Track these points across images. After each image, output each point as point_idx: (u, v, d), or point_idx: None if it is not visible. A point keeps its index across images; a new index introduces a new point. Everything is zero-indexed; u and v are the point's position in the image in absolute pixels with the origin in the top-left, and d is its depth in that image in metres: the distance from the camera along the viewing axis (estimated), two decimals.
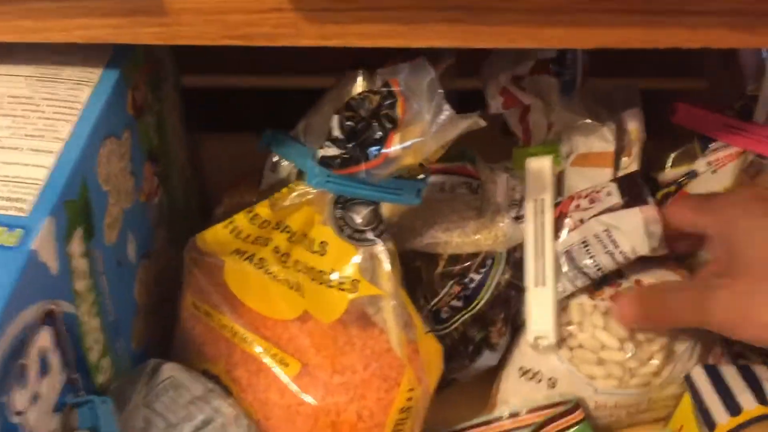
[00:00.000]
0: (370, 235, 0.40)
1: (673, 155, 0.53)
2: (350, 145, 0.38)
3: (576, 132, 0.50)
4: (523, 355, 0.47)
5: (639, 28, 0.35)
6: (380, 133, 0.37)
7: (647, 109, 0.50)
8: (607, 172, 0.47)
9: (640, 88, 0.51)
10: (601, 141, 0.49)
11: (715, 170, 0.50)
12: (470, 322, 0.46)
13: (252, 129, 0.52)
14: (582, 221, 0.45)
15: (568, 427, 0.45)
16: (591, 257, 0.44)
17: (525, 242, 0.46)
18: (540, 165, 0.47)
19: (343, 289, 0.40)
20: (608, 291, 0.46)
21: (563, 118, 0.50)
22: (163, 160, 0.48)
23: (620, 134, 0.49)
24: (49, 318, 0.33)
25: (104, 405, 0.36)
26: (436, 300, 0.46)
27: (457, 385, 0.49)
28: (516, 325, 0.48)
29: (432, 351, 0.44)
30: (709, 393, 0.44)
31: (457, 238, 0.47)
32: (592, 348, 0.46)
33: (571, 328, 0.46)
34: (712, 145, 0.50)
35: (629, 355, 0.45)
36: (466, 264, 0.46)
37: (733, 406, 0.43)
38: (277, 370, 0.42)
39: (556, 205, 0.48)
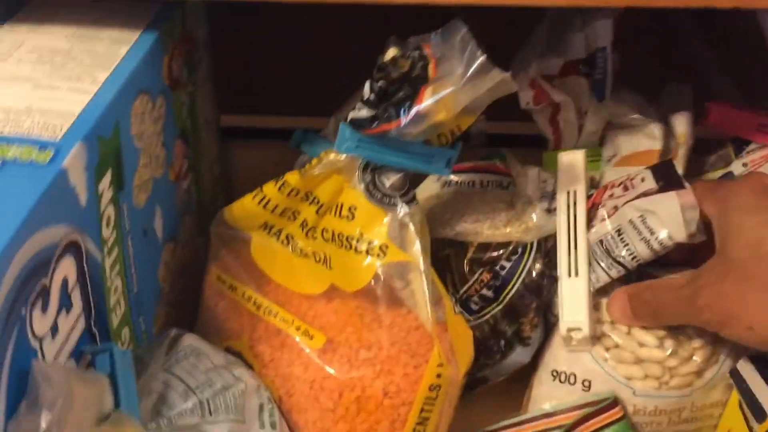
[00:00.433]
0: (399, 201, 0.40)
1: (708, 160, 0.52)
2: (382, 106, 0.38)
3: (620, 133, 0.49)
4: (555, 358, 0.45)
5: None
6: (411, 90, 0.37)
7: None
8: None
9: None
10: (649, 139, 0.48)
11: (752, 171, 0.50)
12: (501, 315, 0.45)
13: (283, 136, 0.53)
14: (616, 209, 0.44)
15: (606, 426, 0.43)
16: (626, 245, 0.43)
17: (558, 233, 0.45)
18: (572, 158, 0.47)
19: (371, 254, 0.39)
20: None
21: (607, 113, 0.49)
22: (194, 147, 0.48)
23: (666, 135, 0.48)
24: (74, 248, 0.33)
25: (123, 355, 0.35)
26: (466, 287, 0.45)
27: (488, 386, 0.47)
28: (549, 325, 0.47)
29: (462, 333, 0.42)
30: (758, 383, 0.41)
31: (487, 230, 0.46)
32: (628, 347, 0.43)
33: (605, 327, 0.44)
34: (748, 147, 0.50)
35: (668, 352, 0.43)
36: (497, 253, 0.45)
37: None
38: (302, 343, 0.40)
39: (589, 197, 0.47)
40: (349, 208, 0.40)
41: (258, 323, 0.42)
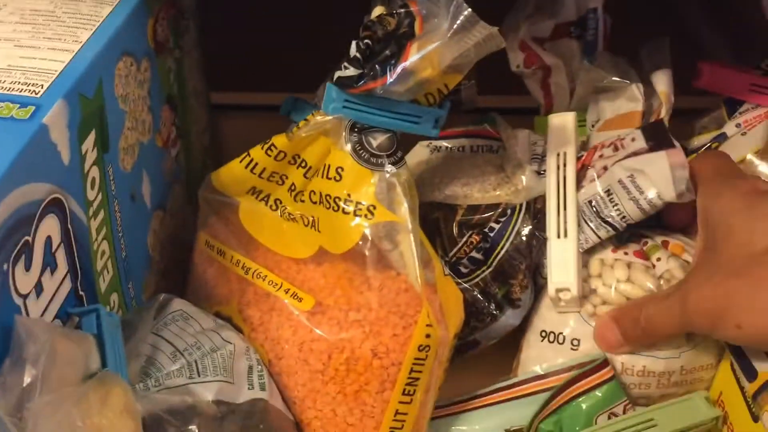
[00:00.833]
0: (386, 162, 0.39)
1: (700, 122, 0.52)
2: (367, 64, 0.38)
3: (602, 98, 0.49)
4: (543, 319, 0.45)
5: None
6: (397, 47, 0.37)
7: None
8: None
9: None
10: (630, 101, 0.47)
11: (744, 132, 0.49)
12: (491, 278, 0.45)
13: (273, 108, 0.52)
14: (605, 169, 0.44)
15: (595, 387, 0.42)
16: (615, 206, 0.43)
17: (547, 194, 0.44)
18: (563, 119, 0.46)
19: (358, 215, 0.39)
20: (633, 247, 0.44)
21: (589, 78, 0.49)
22: (182, 114, 0.48)
23: (649, 95, 0.48)
24: (57, 207, 0.32)
25: (110, 317, 0.35)
26: (455, 250, 0.45)
27: (480, 350, 0.47)
28: (538, 287, 0.46)
29: (452, 295, 0.42)
30: None
31: (477, 193, 0.46)
32: (616, 303, 0.43)
33: (593, 283, 0.44)
34: (741, 108, 0.50)
35: None
36: (486, 215, 0.45)
37: None
38: (291, 306, 0.40)
39: (579, 158, 0.47)
40: (337, 169, 0.40)
41: (247, 288, 0.42)
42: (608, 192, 0.43)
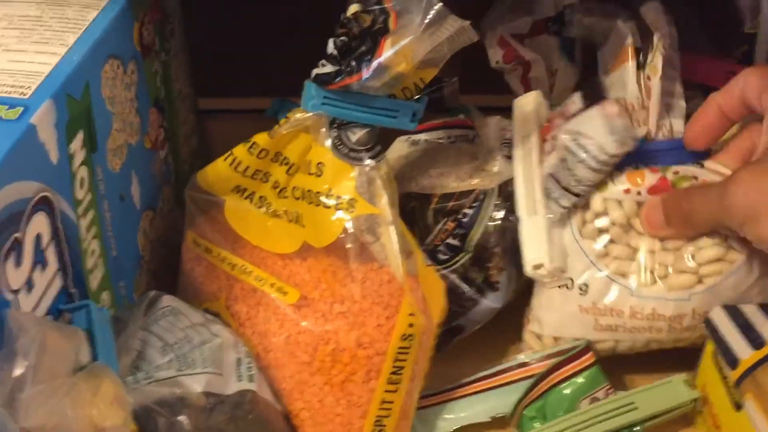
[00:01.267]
0: (365, 156, 0.40)
1: None
2: (344, 60, 0.39)
3: (603, 47, 0.48)
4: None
5: None
6: (372, 43, 0.38)
7: None
8: (628, 67, 0.45)
9: None
10: (622, 38, 0.46)
11: None
12: (470, 263, 0.46)
13: (261, 112, 0.53)
14: (555, 138, 0.45)
15: (577, 373, 0.43)
16: (569, 171, 0.43)
17: (514, 175, 0.45)
18: (526, 100, 0.47)
19: (339, 209, 0.40)
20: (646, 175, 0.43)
21: (567, 73, 0.50)
22: (169, 116, 0.49)
23: (639, 30, 0.46)
24: (47, 205, 0.33)
25: (100, 312, 0.36)
26: (431, 237, 0.46)
27: (465, 337, 0.48)
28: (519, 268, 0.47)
29: (433, 284, 0.43)
30: (731, 331, 0.42)
31: (453, 183, 0.47)
32: (623, 240, 0.43)
33: (597, 221, 0.44)
34: None
35: (663, 244, 0.43)
36: (460, 201, 0.46)
37: (755, 340, 0.41)
38: (277, 299, 0.41)
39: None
40: (317, 165, 0.41)
41: (234, 283, 0.43)
42: (563, 160, 0.44)
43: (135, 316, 0.40)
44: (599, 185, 0.44)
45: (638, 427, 0.42)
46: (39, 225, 0.33)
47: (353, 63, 0.38)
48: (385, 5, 0.39)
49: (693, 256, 0.44)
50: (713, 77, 0.50)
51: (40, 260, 0.34)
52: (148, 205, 0.47)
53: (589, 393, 0.43)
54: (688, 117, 0.46)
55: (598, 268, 0.44)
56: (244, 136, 0.46)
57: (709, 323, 0.43)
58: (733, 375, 0.41)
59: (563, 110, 0.45)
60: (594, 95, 0.44)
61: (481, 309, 0.46)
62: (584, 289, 0.44)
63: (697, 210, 0.42)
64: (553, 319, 0.45)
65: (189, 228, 0.45)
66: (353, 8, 0.40)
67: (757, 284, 0.44)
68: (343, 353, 0.40)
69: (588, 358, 0.44)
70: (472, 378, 0.46)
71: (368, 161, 0.40)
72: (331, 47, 0.39)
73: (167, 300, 0.41)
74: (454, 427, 0.45)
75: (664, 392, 0.43)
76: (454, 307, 0.45)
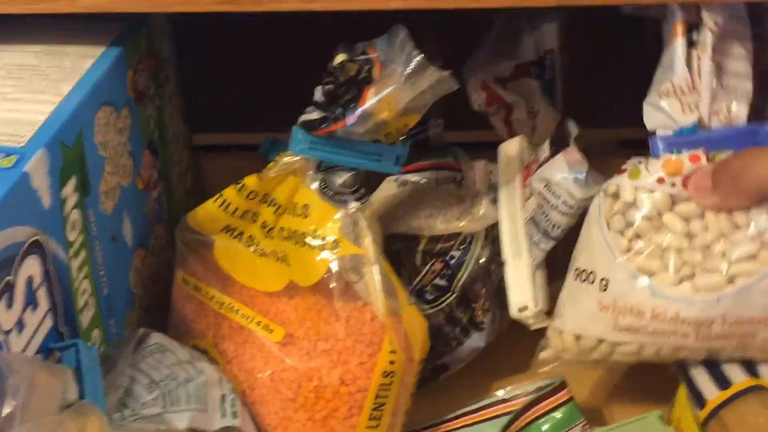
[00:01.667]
0: (350, 198, 0.42)
1: None
2: (330, 107, 0.40)
3: None
4: (579, 256, 0.43)
5: None
6: (356, 92, 0.39)
7: None
8: (677, 44, 0.41)
9: None
10: (670, 12, 0.42)
11: None
12: (456, 303, 0.47)
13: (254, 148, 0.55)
14: (530, 185, 0.46)
15: (554, 408, 0.45)
16: (545, 216, 0.44)
17: (499, 220, 0.47)
18: (509, 145, 0.49)
19: (324, 249, 0.41)
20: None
21: (548, 115, 0.51)
22: (163, 158, 0.51)
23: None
24: (39, 249, 0.35)
25: (89, 351, 0.37)
26: (419, 278, 0.47)
27: (450, 375, 0.49)
28: (503, 308, 0.48)
29: (416, 322, 0.44)
30: (700, 371, 0.43)
31: (440, 224, 0.49)
32: (648, 234, 0.40)
33: (627, 213, 0.40)
34: None
35: (692, 241, 0.39)
36: (447, 243, 0.48)
37: (722, 380, 0.42)
38: (263, 337, 0.42)
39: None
40: (304, 207, 0.42)
41: (222, 322, 0.44)
42: (540, 206, 0.45)
43: (124, 354, 0.41)
44: (632, 172, 0.41)
45: None
46: (31, 268, 0.35)
47: (339, 110, 0.40)
48: (371, 55, 0.40)
49: (724, 254, 0.40)
50: None
51: (31, 302, 0.35)
52: (141, 243, 0.48)
53: (566, 429, 0.44)
54: None
55: (621, 262, 0.41)
56: (239, 173, 0.48)
57: (680, 363, 0.44)
58: (701, 415, 0.42)
59: (537, 157, 0.46)
60: (562, 140, 0.45)
61: (466, 348, 0.47)
62: (605, 284, 0.41)
63: (748, 168, 0.39)
64: (575, 314, 0.43)
65: (179, 267, 0.46)
66: (340, 57, 0.42)
67: None
68: (325, 390, 0.41)
69: (564, 395, 0.45)
70: (454, 414, 0.47)
71: (353, 203, 0.42)
72: (318, 94, 0.41)
73: (155, 337, 0.43)
74: None
75: (639, 428, 0.44)
76: (440, 346, 0.47)
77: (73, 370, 0.36)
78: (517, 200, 0.46)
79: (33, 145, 0.35)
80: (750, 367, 0.42)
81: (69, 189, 0.38)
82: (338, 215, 0.42)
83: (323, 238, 0.42)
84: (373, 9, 0.38)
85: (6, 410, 0.31)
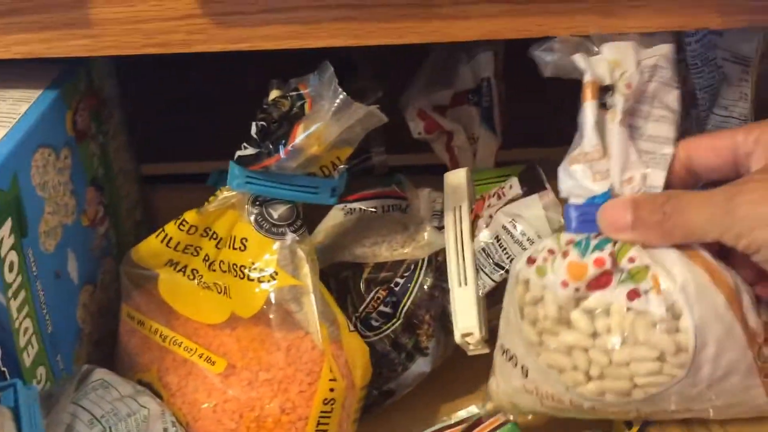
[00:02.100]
0: (287, 230, 0.43)
1: None
2: (263, 143, 0.41)
3: None
4: (503, 333, 0.43)
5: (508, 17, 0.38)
6: (288, 128, 0.40)
7: None
8: (585, 108, 0.39)
9: None
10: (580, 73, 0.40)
11: None
12: (401, 329, 0.48)
13: (204, 180, 0.56)
14: (491, 217, 0.47)
15: (496, 428, 0.45)
16: (503, 249, 0.46)
17: (446, 247, 0.48)
18: (456, 175, 0.50)
19: (262, 281, 0.42)
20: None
21: (487, 141, 0.53)
22: (109, 193, 0.51)
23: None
24: None
25: (28, 391, 0.37)
26: (364, 305, 0.48)
27: (396, 400, 0.49)
28: (447, 333, 0.49)
29: (357, 349, 0.45)
30: None
31: (385, 252, 0.50)
32: (557, 333, 0.39)
33: (537, 307, 0.40)
34: None
35: (597, 340, 0.38)
36: (391, 271, 0.48)
37: None
38: (205, 370, 0.43)
39: (472, 211, 0.50)
40: (242, 240, 0.43)
41: (166, 355, 0.45)
42: (497, 238, 0.46)
43: (67, 391, 0.42)
44: (539, 268, 0.40)
45: None
46: None
47: (271, 146, 0.41)
48: (302, 91, 0.41)
49: (628, 364, 0.38)
50: None
51: None
52: (88, 279, 0.48)
53: None
54: None
55: (534, 357, 0.40)
56: (188, 204, 0.48)
57: None
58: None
59: (499, 191, 0.47)
60: (534, 180, 0.46)
61: (412, 373, 0.48)
62: (526, 371, 0.41)
63: (688, 211, 0.37)
64: (505, 386, 0.43)
65: (124, 301, 0.47)
66: (274, 93, 0.43)
67: (710, 389, 0.38)
68: (267, 419, 0.42)
69: (498, 418, 0.45)
70: None
71: (290, 235, 0.43)
72: (252, 130, 0.42)
73: (99, 373, 0.43)
74: None
75: None
76: (386, 372, 0.47)
77: (11, 410, 0.36)
78: (465, 228, 0.47)
79: None
80: None
81: (5, 231, 0.38)
82: (275, 246, 0.42)
83: (261, 270, 0.42)
84: (299, 48, 0.40)
85: None
